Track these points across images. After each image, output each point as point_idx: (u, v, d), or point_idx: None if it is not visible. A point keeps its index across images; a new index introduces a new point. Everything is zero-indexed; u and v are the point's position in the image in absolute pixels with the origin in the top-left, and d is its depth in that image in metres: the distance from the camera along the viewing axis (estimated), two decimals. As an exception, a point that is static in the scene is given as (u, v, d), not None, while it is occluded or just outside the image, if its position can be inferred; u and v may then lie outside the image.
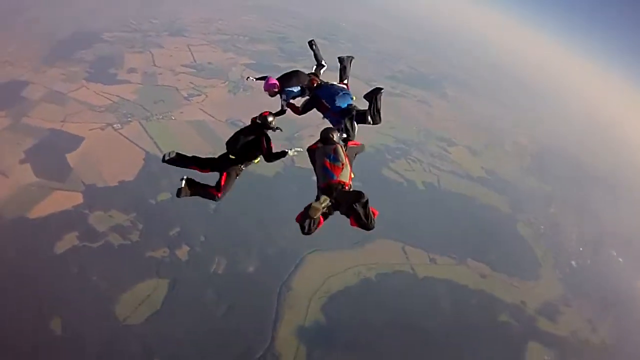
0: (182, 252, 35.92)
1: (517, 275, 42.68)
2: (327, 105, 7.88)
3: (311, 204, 6.20)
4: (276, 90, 8.30)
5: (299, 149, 8.37)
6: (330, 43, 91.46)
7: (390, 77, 78.72)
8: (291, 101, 8.58)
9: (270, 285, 35.05)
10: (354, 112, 7.63)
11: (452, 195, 50.33)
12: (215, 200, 7.99)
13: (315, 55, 9.06)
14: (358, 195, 6.18)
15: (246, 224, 39.13)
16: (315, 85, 8.30)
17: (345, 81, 8.73)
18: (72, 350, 28.85)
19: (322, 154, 6.80)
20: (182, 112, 51.03)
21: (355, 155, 7.39)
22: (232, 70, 62.73)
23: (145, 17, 71.06)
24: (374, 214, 6.21)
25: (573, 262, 47.13)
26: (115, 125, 46.84)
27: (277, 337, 31.84)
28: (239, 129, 8.05)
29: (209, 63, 62.97)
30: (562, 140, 79.72)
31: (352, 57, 9.08)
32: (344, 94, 7.94)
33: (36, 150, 42.09)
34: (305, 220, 6.20)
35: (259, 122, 7.82)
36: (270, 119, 7.82)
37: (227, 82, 59.03)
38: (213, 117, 51.18)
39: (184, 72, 59.09)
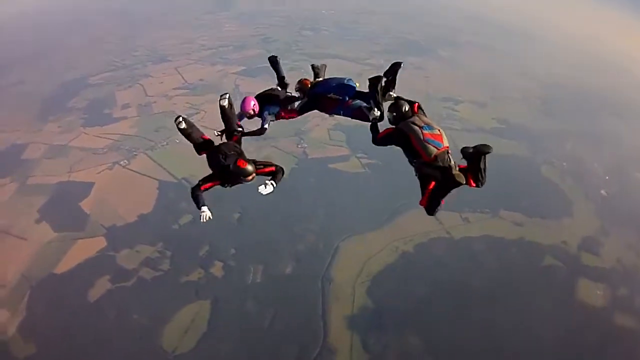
0: (217, 269, 34.97)
1: (551, 216, 41.50)
2: (338, 97, 7.60)
3: (452, 172, 5.97)
4: (255, 111, 8.20)
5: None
6: (315, 33, 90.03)
7: (380, 52, 76.52)
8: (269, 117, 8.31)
9: (311, 281, 33.92)
10: (379, 86, 7.26)
11: None
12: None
13: (277, 72, 8.81)
14: (485, 147, 5.95)
15: (272, 226, 37.90)
16: (309, 86, 8.03)
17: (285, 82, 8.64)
18: None
19: (411, 129, 6.41)
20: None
21: None
22: (224, 81, 61.82)
23: (126, 52, 70.58)
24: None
25: (603, 192, 45.79)
26: (122, 163, 45.99)
27: (329, 332, 30.77)
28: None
29: (201, 80, 62.10)
30: (565, 78, 77.06)
31: (325, 65, 8.88)
32: (347, 80, 7.68)
33: (49, 206, 41.37)
34: (440, 197, 6.16)
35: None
36: (250, 168, 7.40)
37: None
38: (216, 130, 48.96)
39: (177, 95, 58.30)
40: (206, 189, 7.69)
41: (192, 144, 8.18)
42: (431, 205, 6.37)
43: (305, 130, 49.20)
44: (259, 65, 62.87)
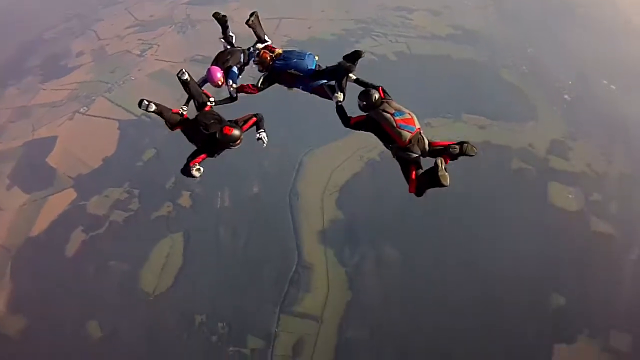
0: (185, 200, 33.25)
1: (515, 119, 39.29)
2: (298, 73, 7.54)
3: (438, 174, 6.05)
4: (222, 82, 7.76)
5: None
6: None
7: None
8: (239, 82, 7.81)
9: (278, 198, 32.43)
10: (343, 68, 7.26)
11: (426, 59, 45.95)
12: None
13: (256, 30, 8.38)
14: (471, 149, 6.46)
15: (234, 151, 34.80)
16: (268, 58, 7.75)
17: (267, 39, 8.34)
18: (119, 348, 27.33)
19: (383, 117, 6.53)
20: (139, 70, 46.87)
21: None
22: (175, 12, 57.60)
23: (77, 2, 65.50)
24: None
25: (566, 96, 42.86)
26: (81, 110, 43.23)
27: (302, 250, 29.74)
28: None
29: (151, 16, 57.65)
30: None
31: (257, 15, 8.51)
32: (308, 55, 7.65)
33: (18, 170, 39.35)
34: (428, 187, 6.31)
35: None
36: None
37: (173, 26, 54.30)
38: (171, 62, 46.97)
39: (129, 34, 54.31)
40: (195, 164, 7.36)
41: (165, 120, 7.78)
42: (419, 191, 6.47)
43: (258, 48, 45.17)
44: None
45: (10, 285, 30.56)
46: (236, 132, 7.11)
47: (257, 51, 7.96)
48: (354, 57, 7.45)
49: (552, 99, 42.63)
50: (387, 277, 28.95)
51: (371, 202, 31.61)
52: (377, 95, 6.87)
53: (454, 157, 6.54)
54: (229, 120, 7.35)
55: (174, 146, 38.09)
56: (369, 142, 34.47)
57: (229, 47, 8.48)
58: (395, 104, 6.78)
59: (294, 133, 35.53)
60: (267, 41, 8.44)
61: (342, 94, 7.36)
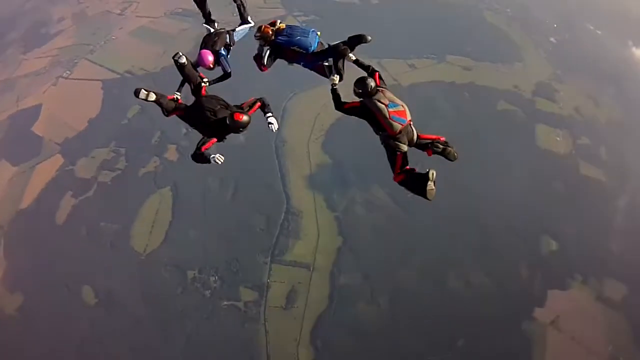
0: (171, 153, 32.45)
1: (500, 60, 38.31)
2: (300, 50, 7.51)
3: (426, 187, 6.36)
4: (214, 63, 7.79)
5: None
6: None
7: None
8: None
9: (264, 147, 31.50)
10: (339, 51, 7.41)
11: (408, 1, 44.69)
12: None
13: (241, 11, 8.43)
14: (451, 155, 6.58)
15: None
16: (270, 33, 7.53)
17: (250, 20, 8.33)
18: (115, 313, 27.06)
19: (377, 107, 6.68)
20: (121, 28, 45.25)
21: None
22: None
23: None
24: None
25: (552, 39, 41.71)
26: (64, 75, 41.92)
27: (291, 196, 29.19)
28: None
29: None
30: None
31: None
32: (311, 32, 7.59)
33: (4, 143, 38.29)
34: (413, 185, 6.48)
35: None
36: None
37: None
38: (153, 17, 45.62)
39: None
40: (207, 149, 7.36)
41: (162, 108, 7.70)
42: (404, 186, 6.64)
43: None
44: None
45: (5, 262, 30.04)
46: (246, 117, 7.12)
47: (258, 27, 7.72)
48: (357, 40, 7.58)
49: (538, 42, 41.49)
50: (377, 220, 28.32)
51: (358, 145, 30.20)
52: (373, 84, 6.93)
53: (436, 153, 6.71)
54: (235, 106, 7.40)
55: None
56: (351, 83, 33.53)
57: (212, 30, 8.43)
58: (389, 94, 6.90)
59: (276, 79, 33.91)
60: (250, 22, 8.50)
61: (338, 76, 7.52)
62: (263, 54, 7.80)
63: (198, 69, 8.00)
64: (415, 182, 6.64)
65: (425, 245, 27.24)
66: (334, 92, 7.44)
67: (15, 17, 57.00)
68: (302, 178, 30.33)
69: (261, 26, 7.61)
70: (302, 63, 7.82)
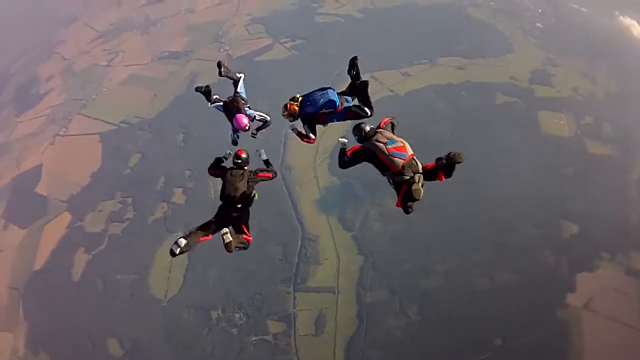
0: (178, 197, 32.41)
1: (492, 54, 38.20)
2: (329, 109, 7.64)
3: (412, 187, 6.28)
4: (249, 124, 8.20)
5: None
6: None
7: None
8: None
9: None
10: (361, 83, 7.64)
11: (392, 10, 44.45)
12: None
13: (229, 75, 8.85)
14: (457, 157, 6.34)
15: (218, 134, 33.63)
16: (297, 109, 7.74)
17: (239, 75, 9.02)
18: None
19: (376, 147, 6.81)
20: (110, 80, 45.49)
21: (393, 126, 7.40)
22: (134, 17, 55.72)
23: (34, 29, 63.61)
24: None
25: (539, 25, 41.53)
26: (61, 132, 42.04)
27: (305, 222, 28.97)
28: (226, 179, 7.76)
29: (111, 25, 56.14)
30: None
31: (220, 61, 8.96)
32: (329, 90, 7.70)
33: (10, 208, 38.22)
34: (409, 203, 6.39)
35: (240, 162, 7.81)
36: (244, 155, 7.92)
37: (134, 30, 52.88)
38: (140, 64, 45.89)
39: (94, 47, 52.87)
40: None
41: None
42: (405, 205, 6.47)
43: (222, 33, 45.96)
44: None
45: (26, 325, 29.73)
46: (244, 154, 8.12)
47: (284, 106, 7.86)
48: (352, 64, 7.89)
49: (526, 30, 41.30)
50: (394, 232, 27.79)
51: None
52: (367, 128, 7.13)
53: (446, 169, 6.52)
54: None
55: (158, 146, 37.29)
56: None
57: (222, 99, 8.75)
58: (387, 134, 7.01)
59: (273, 105, 33.99)
60: (241, 74, 8.97)
61: (345, 139, 7.63)
62: (304, 132, 8.03)
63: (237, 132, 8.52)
64: (405, 194, 6.44)
65: (445, 249, 26.81)
66: (342, 151, 7.45)
67: (2, 81, 57.45)
68: (313, 202, 29.99)
69: (286, 105, 7.72)
70: (335, 119, 7.96)
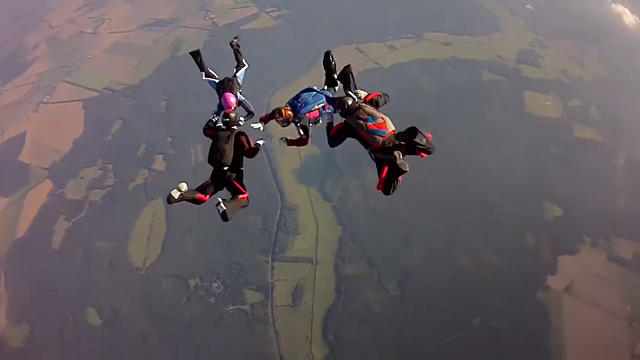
0: (159, 163, 31.97)
1: (479, 32, 37.50)
2: (319, 105, 7.74)
3: (396, 162, 6.22)
4: (235, 104, 8.15)
5: (260, 142, 7.82)
6: None
7: None
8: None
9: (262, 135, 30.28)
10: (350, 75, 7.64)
11: None
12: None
13: (236, 55, 8.80)
14: (412, 132, 6.34)
15: (200, 101, 33.14)
16: (291, 114, 7.63)
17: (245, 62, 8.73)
18: (123, 331, 26.46)
19: (356, 123, 6.83)
20: (95, 47, 44.63)
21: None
22: None
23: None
24: (428, 137, 6.36)
25: (528, 6, 40.69)
26: (44, 100, 41.29)
27: (284, 191, 28.56)
28: (213, 141, 7.55)
29: None
30: None
31: (237, 36, 9.00)
32: (310, 88, 7.95)
33: None
34: (393, 180, 6.39)
35: (228, 121, 7.65)
36: (233, 115, 7.73)
37: None
38: (125, 31, 45.10)
39: (80, 15, 51.72)
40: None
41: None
42: (386, 188, 6.53)
43: (208, 1, 45.49)
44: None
45: (6, 294, 29.31)
46: (233, 114, 7.90)
47: (277, 112, 7.73)
48: (326, 63, 7.95)
49: (515, 10, 40.52)
50: (375, 204, 27.36)
51: (344, 132, 29.70)
52: (350, 101, 7.07)
53: (409, 147, 6.40)
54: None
55: (140, 113, 36.54)
56: None
57: (217, 77, 8.66)
58: (369, 109, 6.91)
59: (256, 75, 33.38)
60: (245, 64, 8.80)
61: (356, 96, 7.49)
62: (299, 135, 7.97)
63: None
64: (389, 171, 6.39)
65: (427, 225, 26.42)
66: (328, 128, 7.61)
67: (-12, 55, 56.24)
68: (293, 172, 29.52)
69: (280, 110, 7.57)
70: (325, 114, 7.89)
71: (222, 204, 6.98)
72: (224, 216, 7.00)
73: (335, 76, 7.93)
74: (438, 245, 25.80)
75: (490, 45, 36.42)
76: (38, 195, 33.84)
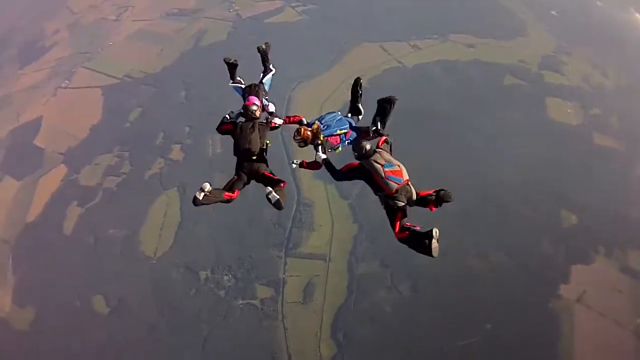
0: (176, 153, 31.79)
1: (503, 36, 37.57)
2: (342, 131, 7.57)
3: (431, 244, 6.20)
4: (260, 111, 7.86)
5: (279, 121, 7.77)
6: None
7: None
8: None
9: (271, 137, 30.20)
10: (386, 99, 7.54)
11: None
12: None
13: (264, 60, 8.49)
14: (447, 195, 6.35)
15: (221, 92, 33.05)
16: (310, 134, 7.47)
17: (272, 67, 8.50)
18: (129, 321, 26.13)
19: (373, 167, 6.75)
20: (117, 34, 44.57)
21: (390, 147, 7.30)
22: None
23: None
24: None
25: (553, 12, 40.75)
26: (63, 85, 41.20)
27: (301, 187, 28.31)
28: (237, 133, 7.29)
29: None
30: None
31: (267, 42, 8.62)
32: (335, 112, 7.74)
33: (7, 160, 37.71)
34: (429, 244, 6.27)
35: (250, 114, 7.49)
36: (254, 107, 7.56)
37: None
38: (148, 20, 44.88)
39: (103, 2, 51.58)
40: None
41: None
42: (405, 243, 6.53)
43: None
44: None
45: (14, 279, 29.29)
46: (254, 107, 7.67)
47: (296, 130, 7.63)
48: (355, 87, 7.85)
49: (539, 15, 40.42)
50: (391, 203, 26.78)
51: (365, 127, 29.48)
52: (368, 147, 7.03)
53: (436, 203, 6.49)
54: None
55: (160, 102, 36.48)
56: (357, 70, 32.60)
57: (244, 84, 8.41)
58: (386, 155, 6.93)
59: (278, 69, 33.29)
60: (272, 70, 8.56)
61: (382, 125, 7.57)
62: (316, 158, 7.67)
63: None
64: (419, 241, 6.38)
65: (442, 226, 25.70)
66: (328, 164, 7.39)
67: (9, 34, 56.52)
68: (311, 169, 29.25)
69: (299, 130, 7.43)
70: (346, 142, 7.66)
71: (274, 193, 6.85)
72: (277, 205, 6.87)
73: (360, 105, 7.85)
74: (453, 247, 25.26)
75: (514, 49, 36.33)
76: (51, 180, 33.80)
